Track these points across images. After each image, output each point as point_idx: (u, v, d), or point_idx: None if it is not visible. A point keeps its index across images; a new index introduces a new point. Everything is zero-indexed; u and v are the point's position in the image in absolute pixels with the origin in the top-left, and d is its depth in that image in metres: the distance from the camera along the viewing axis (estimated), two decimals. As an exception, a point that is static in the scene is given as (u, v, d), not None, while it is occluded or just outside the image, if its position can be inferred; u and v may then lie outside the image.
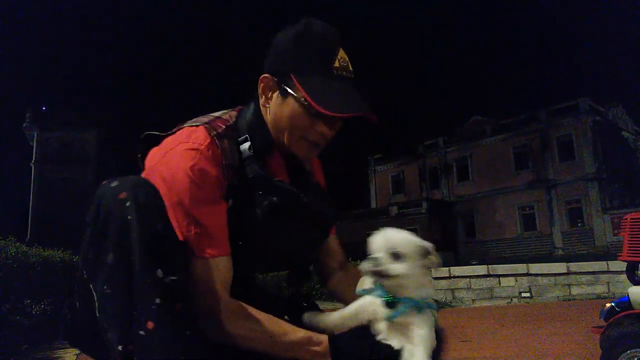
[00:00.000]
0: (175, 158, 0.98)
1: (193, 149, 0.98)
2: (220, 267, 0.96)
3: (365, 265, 0.91)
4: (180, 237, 0.93)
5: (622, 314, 1.92)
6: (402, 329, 0.88)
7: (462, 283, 7.49)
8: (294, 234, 1.07)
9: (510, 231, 31.81)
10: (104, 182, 0.92)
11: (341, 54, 1.04)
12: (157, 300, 0.83)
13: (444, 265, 8.97)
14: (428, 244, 0.95)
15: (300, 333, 0.94)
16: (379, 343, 0.92)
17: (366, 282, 0.95)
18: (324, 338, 0.94)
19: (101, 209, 0.88)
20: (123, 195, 0.88)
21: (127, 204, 0.87)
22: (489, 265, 7.81)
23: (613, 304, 2.04)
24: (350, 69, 1.05)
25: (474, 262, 19.75)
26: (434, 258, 0.95)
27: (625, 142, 32.35)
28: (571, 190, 29.24)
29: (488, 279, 7.53)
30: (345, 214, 37.81)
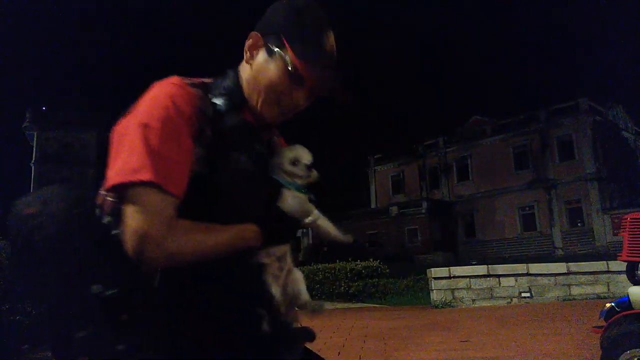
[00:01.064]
0: (146, 97, 0.98)
1: (166, 84, 0.99)
2: (168, 206, 0.90)
3: (299, 170, 1.08)
4: (150, 176, 0.89)
5: (622, 314, 1.92)
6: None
7: (462, 283, 7.49)
8: (255, 198, 1.05)
9: (510, 231, 31.83)
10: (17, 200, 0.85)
11: (331, 36, 1.06)
12: (98, 316, 0.80)
13: (444, 265, 8.97)
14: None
15: (229, 227, 0.97)
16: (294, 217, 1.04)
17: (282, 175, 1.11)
18: (251, 224, 0.99)
19: (11, 229, 0.83)
20: (31, 210, 0.82)
21: (36, 220, 0.81)
22: (489, 265, 7.80)
23: (613, 304, 2.04)
24: (335, 47, 1.07)
25: (474, 262, 19.76)
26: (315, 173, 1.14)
27: (625, 142, 32.37)
28: (571, 190, 29.25)
29: (488, 279, 7.53)
30: (346, 213, 37.84)
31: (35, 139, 38.79)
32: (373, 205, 39.44)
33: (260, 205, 1.06)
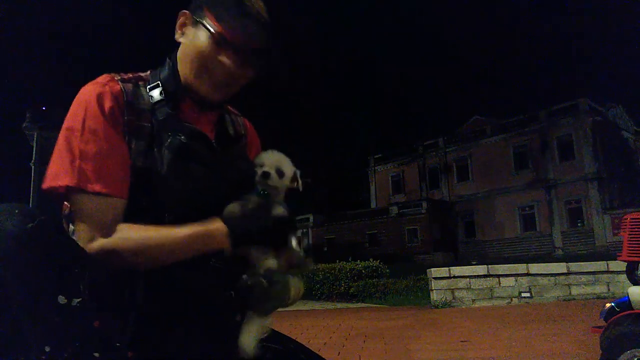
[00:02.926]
0: (76, 97, 0.98)
1: (90, 85, 0.99)
2: (102, 207, 0.91)
3: (258, 176, 1.05)
4: (69, 181, 0.90)
5: (622, 314, 1.92)
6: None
7: (462, 283, 7.49)
8: (205, 184, 1.02)
9: (510, 231, 31.83)
10: None
11: (258, 2, 1.05)
12: (67, 327, 0.78)
13: (444, 265, 8.97)
14: (297, 171, 1.11)
15: (190, 226, 0.93)
16: (269, 214, 1.01)
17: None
18: (217, 221, 0.95)
19: None
20: None
21: None
22: (489, 265, 7.80)
23: (613, 304, 2.04)
24: (264, 14, 1.06)
25: (474, 262, 19.76)
26: (300, 183, 1.11)
27: (625, 142, 32.37)
28: (571, 190, 29.26)
29: (488, 279, 7.53)
30: (345, 213, 37.84)
31: (35, 139, 38.83)
32: (373, 205, 39.44)
33: (212, 197, 1.02)
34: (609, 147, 29.48)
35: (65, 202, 0.99)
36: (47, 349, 0.78)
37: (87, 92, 0.97)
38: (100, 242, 0.90)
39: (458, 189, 35.27)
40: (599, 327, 2.02)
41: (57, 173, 0.93)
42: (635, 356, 1.70)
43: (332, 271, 11.37)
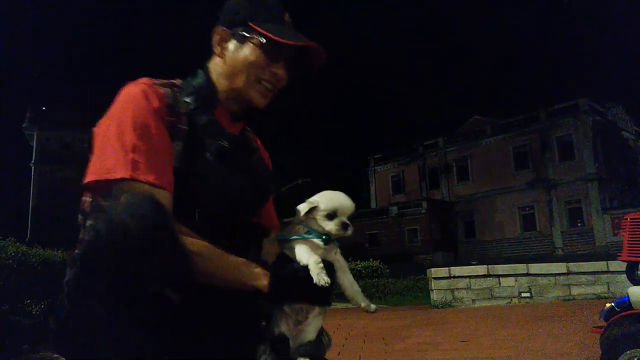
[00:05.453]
0: (118, 98, 1.01)
1: (135, 84, 1.02)
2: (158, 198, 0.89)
3: (335, 224, 1.01)
4: (123, 173, 0.91)
5: (622, 314, 1.92)
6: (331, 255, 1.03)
7: (462, 283, 7.49)
8: (238, 186, 1.08)
9: (510, 231, 31.83)
10: None
11: (286, 14, 1.15)
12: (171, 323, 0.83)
13: (444, 265, 8.97)
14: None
15: (239, 258, 0.97)
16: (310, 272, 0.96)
17: (299, 229, 1.04)
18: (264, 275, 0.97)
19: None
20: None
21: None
22: (489, 265, 7.80)
23: (613, 304, 2.04)
24: (289, 19, 1.16)
25: (474, 262, 19.76)
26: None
27: (625, 142, 32.37)
28: (571, 190, 29.25)
29: (488, 279, 7.53)
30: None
31: (35, 139, 38.78)
32: (373, 205, 39.42)
33: (243, 198, 1.08)
34: (609, 147, 29.48)
35: (84, 198, 1.00)
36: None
37: (134, 90, 1.01)
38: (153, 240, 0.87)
39: (458, 189, 35.26)
40: (599, 327, 2.02)
41: (111, 166, 0.93)
42: (635, 356, 1.70)
43: (332, 271, 11.36)
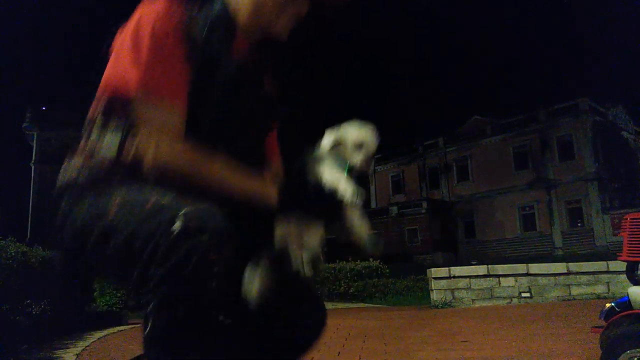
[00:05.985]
0: (138, 9, 1.00)
1: (153, 3, 0.99)
2: (169, 115, 0.93)
3: (367, 165, 1.03)
4: (139, 85, 0.92)
5: (622, 314, 1.92)
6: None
7: (462, 283, 7.49)
8: (248, 109, 1.08)
9: (510, 231, 31.83)
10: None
11: None
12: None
13: (444, 265, 8.97)
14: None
15: (246, 172, 1.00)
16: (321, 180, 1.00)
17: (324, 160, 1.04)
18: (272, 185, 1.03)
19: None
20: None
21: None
22: (489, 265, 7.80)
23: (613, 304, 2.04)
24: None
25: (474, 262, 19.75)
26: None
27: (625, 142, 32.36)
28: (571, 190, 29.25)
29: (488, 279, 7.53)
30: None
31: (35, 139, 38.78)
32: (373, 205, 39.42)
33: (252, 123, 1.09)
34: (609, 147, 29.48)
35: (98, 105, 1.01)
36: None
37: (153, 8, 0.99)
38: (164, 151, 0.91)
39: (458, 189, 35.26)
40: (599, 327, 2.02)
41: (127, 78, 0.93)
42: (635, 356, 1.70)
43: (332, 271, 11.37)
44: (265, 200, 0.99)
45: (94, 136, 1.00)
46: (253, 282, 0.99)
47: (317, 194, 0.98)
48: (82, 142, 1.05)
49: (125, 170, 0.91)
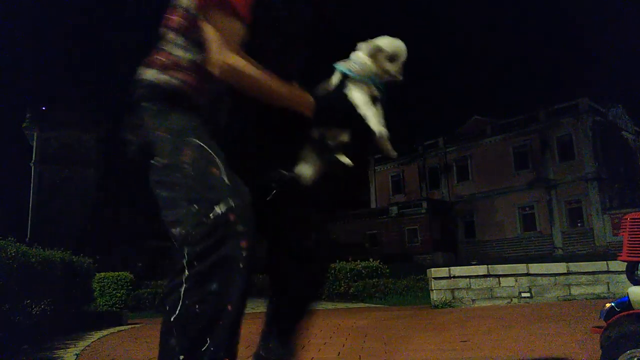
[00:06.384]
0: None
1: None
2: (238, 29, 1.10)
3: (400, 73, 1.21)
4: None
5: (622, 314, 1.91)
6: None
7: (462, 283, 7.49)
8: (288, 34, 1.25)
9: (510, 231, 31.83)
10: None
11: None
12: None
13: (444, 265, 8.97)
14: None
15: (289, 84, 1.18)
16: (345, 97, 1.20)
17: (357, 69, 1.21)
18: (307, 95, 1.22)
19: None
20: None
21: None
22: (489, 265, 7.79)
23: (613, 304, 2.04)
24: None
25: (474, 262, 19.76)
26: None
27: (625, 142, 32.36)
28: (571, 190, 29.25)
29: (488, 279, 7.52)
30: (346, 213, 37.83)
31: (35, 139, 38.77)
32: (373, 205, 39.42)
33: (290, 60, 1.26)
34: (609, 147, 29.47)
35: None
36: None
37: None
38: (233, 59, 1.09)
39: (458, 189, 35.25)
40: (599, 327, 2.02)
41: None
42: (635, 356, 1.70)
43: (332, 271, 11.37)
44: (305, 101, 1.19)
45: (178, 49, 1.15)
46: (307, 165, 1.19)
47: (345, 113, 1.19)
48: (163, 54, 1.18)
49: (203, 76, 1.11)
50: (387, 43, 1.16)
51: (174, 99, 1.12)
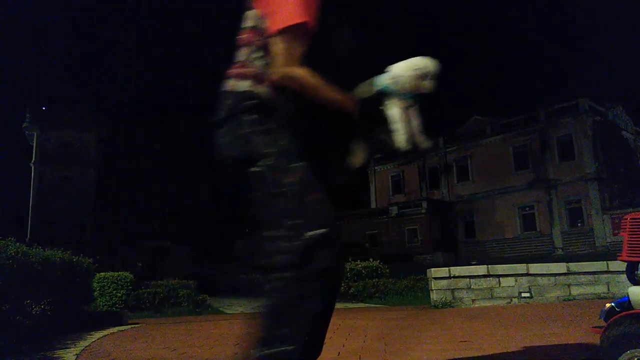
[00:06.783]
0: None
1: None
2: (304, 42, 1.32)
3: (426, 84, 1.42)
4: (305, 18, 1.29)
5: (622, 314, 1.91)
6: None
7: (462, 283, 7.49)
8: (336, 49, 1.52)
9: (510, 231, 31.83)
10: None
11: None
12: None
13: (444, 265, 8.97)
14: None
15: (338, 90, 1.39)
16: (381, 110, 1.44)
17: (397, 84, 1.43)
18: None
19: None
20: None
21: None
22: (489, 265, 7.80)
23: (613, 304, 2.04)
24: None
25: (474, 262, 19.76)
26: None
27: (625, 142, 32.35)
28: (571, 190, 29.25)
29: (488, 279, 7.52)
30: (346, 213, 37.83)
31: (35, 139, 38.77)
32: (373, 205, 39.42)
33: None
34: (609, 147, 29.47)
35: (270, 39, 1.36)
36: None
37: None
38: (298, 70, 1.30)
39: (458, 189, 35.25)
40: (599, 327, 2.02)
41: (295, 13, 1.28)
42: (635, 356, 1.70)
43: (332, 271, 11.36)
44: (352, 105, 1.40)
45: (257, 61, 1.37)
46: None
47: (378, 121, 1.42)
48: (251, 66, 1.38)
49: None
50: (421, 62, 1.36)
51: (273, 111, 1.33)
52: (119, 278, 10.33)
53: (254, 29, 1.39)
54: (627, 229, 2.12)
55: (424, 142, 1.43)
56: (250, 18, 1.42)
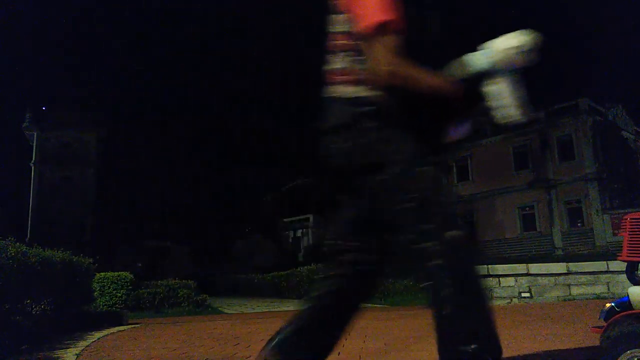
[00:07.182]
0: None
1: None
2: (398, 38, 1.33)
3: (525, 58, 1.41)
4: (388, 16, 1.32)
5: (622, 314, 1.92)
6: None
7: (462, 283, 7.48)
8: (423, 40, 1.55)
9: (510, 231, 31.81)
10: None
11: None
12: None
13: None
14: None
15: (437, 74, 1.41)
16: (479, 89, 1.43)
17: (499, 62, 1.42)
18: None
19: None
20: None
21: None
22: (489, 265, 7.80)
23: (613, 304, 2.04)
24: None
25: (474, 262, 19.68)
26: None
27: (625, 142, 32.34)
28: (571, 190, 29.24)
29: (488, 279, 7.52)
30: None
31: (35, 139, 38.76)
32: (373, 205, 39.36)
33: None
34: (609, 147, 29.46)
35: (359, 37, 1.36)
36: None
37: None
38: (400, 64, 1.32)
39: (458, 189, 35.24)
40: (599, 327, 2.02)
41: (377, 11, 1.31)
42: (635, 356, 1.70)
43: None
44: (452, 86, 1.39)
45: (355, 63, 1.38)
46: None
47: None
48: (354, 71, 1.39)
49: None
50: (518, 37, 1.35)
51: (391, 115, 1.34)
52: (119, 278, 10.33)
53: (346, 33, 1.39)
54: (627, 229, 2.12)
55: (530, 114, 1.46)
56: (339, 22, 1.42)
